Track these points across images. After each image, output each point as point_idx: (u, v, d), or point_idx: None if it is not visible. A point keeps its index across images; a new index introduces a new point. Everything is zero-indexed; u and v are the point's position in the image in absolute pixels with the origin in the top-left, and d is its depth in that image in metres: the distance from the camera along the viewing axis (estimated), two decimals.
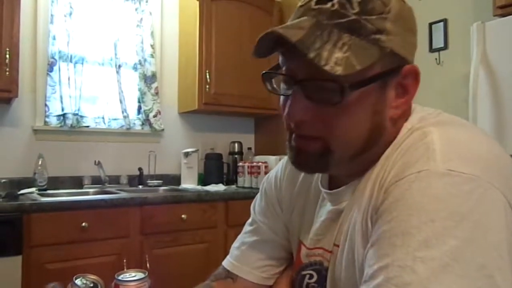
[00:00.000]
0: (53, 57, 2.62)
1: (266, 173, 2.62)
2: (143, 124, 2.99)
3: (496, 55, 2.00)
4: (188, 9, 3.02)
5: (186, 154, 2.96)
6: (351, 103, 0.56)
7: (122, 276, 0.71)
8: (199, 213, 2.47)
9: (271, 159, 2.90)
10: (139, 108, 2.99)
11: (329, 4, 0.55)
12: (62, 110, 2.64)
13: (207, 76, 2.87)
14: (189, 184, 2.92)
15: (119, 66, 2.85)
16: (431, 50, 2.67)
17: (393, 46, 0.56)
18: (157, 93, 2.98)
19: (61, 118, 2.66)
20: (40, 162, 2.50)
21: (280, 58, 0.61)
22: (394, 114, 0.60)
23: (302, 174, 0.78)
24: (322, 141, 0.59)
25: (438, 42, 2.64)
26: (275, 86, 0.64)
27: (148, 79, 2.95)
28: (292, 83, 0.59)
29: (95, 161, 2.67)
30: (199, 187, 2.82)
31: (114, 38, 2.84)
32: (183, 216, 2.39)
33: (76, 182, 2.70)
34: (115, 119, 2.90)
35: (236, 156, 3.20)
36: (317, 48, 0.53)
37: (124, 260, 2.18)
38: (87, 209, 2.14)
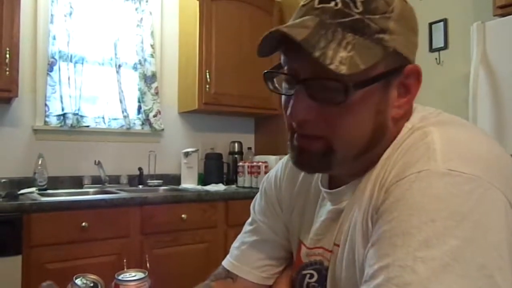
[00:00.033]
0: (53, 57, 2.62)
1: (266, 173, 2.62)
2: (143, 124, 2.99)
3: (496, 55, 2.00)
4: (188, 9, 3.02)
5: (186, 154, 2.96)
6: (355, 103, 0.56)
7: (122, 276, 0.71)
8: (199, 213, 2.47)
9: (271, 159, 2.90)
10: (139, 108, 2.99)
11: (332, 3, 0.55)
12: (62, 110, 2.64)
13: (207, 76, 2.87)
14: (189, 184, 2.92)
15: (119, 66, 2.85)
16: (431, 50, 2.67)
17: (396, 46, 0.56)
18: (157, 93, 2.98)
19: (61, 118, 2.66)
20: (40, 162, 2.50)
21: (282, 57, 0.61)
22: (396, 114, 0.60)
23: (302, 173, 0.77)
24: (324, 141, 0.59)
25: (438, 42, 2.64)
26: (277, 85, 0.63)
27: (148, 79, 2.95)
28: (294, 82, 0.58)
29: (95, 161, 2.67)
30: (199, 187, 2.82)
31: (114, 38, 2.84)
32: (183, 216, 2.39)
33: (76, 182, 2.70)
34: (115, 119, 2.90)
35: (236, 156, 3.20)
36: (322, 47, 0.53)
37: (124, 260, 2.18)
38: (87, 209, 2.14)
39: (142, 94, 2.94)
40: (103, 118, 2.85)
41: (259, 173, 2.84)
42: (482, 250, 0.46)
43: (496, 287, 0.45)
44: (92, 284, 0.70)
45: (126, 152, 2.91)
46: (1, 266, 1.89)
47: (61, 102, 2.64)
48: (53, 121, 2.66)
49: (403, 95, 0.60)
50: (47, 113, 2.64)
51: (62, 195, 2.38)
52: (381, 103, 0.58)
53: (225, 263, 0.85)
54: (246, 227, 0.86)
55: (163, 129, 3.02)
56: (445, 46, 2.62)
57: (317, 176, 0.74)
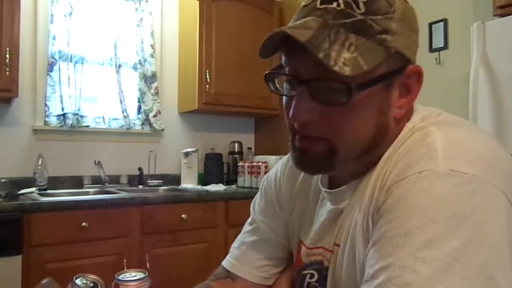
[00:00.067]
0: (53, 57, 2.62)
1: (266, 173, 2.62)
2: (143, 124, 2.99)
3: (496, 55, 2.00)
4: (188, 9, 3.02)
5: (186, 154, 2.96)
6: (358, 104, 0.56)
7: (122, 276, 0.71)
8: (199, 213, 2.47)
9: (271, 159, 2.90)
10: (139, 108, 2.99)
11: (334, 4, 0.55)
12: (62, 110, 2.64)
13: (207, 76, 2.87)
14: (189, 184, 2.92)
15: (119, 66, 2.85)
16: (431, 50, 2.67)
17: (398, 46, 0.56)
18: (157, 93, 2.98)
19: (61, 118, 2.66)
20: (40, 162, 2.50)
21: (283, 58, 0.60)
22: (397, 114, 0.60)
23: (302, 173, 0.77)
24: (327, 142, 0.59)
25: (438, 42, 2.64)
26: (278, 86, 0.63)
27: (148, 79, 2.95)
28: (296, 83, 0.58)
29: (95, 161, 2.67)
30: (199, 187, 2.82)
31: (114, 38, 2.84)
32: (183, 216, 2.39)
33: (76, 182, 2.70)
34: (115, 119, 2.90)
35: (236, 156, 3.20)
36: (326, 48, 0.52)
37: (124, 260, 2.18)
38: (87, 209, 2.14)
39: (142, 94, 2.94)
40: (103, 118, 2.85)
41: (259, 173, 2.84)
42: (483, 250, 0.46)
43: (497, 287, 0.45)
44: (92, 284, 0.70)
45: (126, 152, 2.91)
46: (1, 266, 1.89)
47: (61, 102, 2.64)
48: (53, 121, 2.66)
49: (404, 95, 0.60)
50: (47, 113, 2.64)
51: (62, 195, 2.37)
52: (383, 104, 0.58)
53: (225, 263, 0.85)
54: (246, 227, 0.86)
55: (163, 129, 3.02)
56: (445, 46, 2.62)
57: (317, 176, 0.74)
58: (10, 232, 1.93)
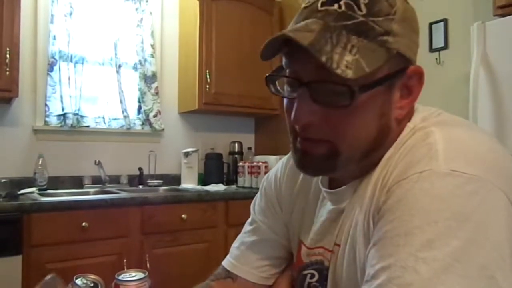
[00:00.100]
0: (53, 57, 2.62)
1: (266, 173, 2.62)
2: (143, 124, 2.99)
3: (496, 55, 2.00)
4: (188, 9, 3.02)
5: (186, 154, 2.96)
6: (359, 106, 0.56)
7: (122, 276, 0.71)
8: (199, 213, 2.47)
9: (271, 159, 2.90)
10: (139, 108, 2.99)
11: (335, 6, 0.55)
12: (62, 110, 2.64)
13: (207, 76, 2.87)
14: (189, 184, 2.92)
15: (119, 66, 2.85)
16: (431, 50, 2.67)
17: (399, 48, 0.56)
18: (157, 93, 2.98)
19: (61, 118, 2.66)
20: (40, 162, 2.50)
21: (284, 60, 0.60)
22: (398, 115, 0.60)
23: (302, 173, 0.77)
24: (328, 144, 0.59)
25: (438, 42, 2.64)
26: (278, 88, 0.63)
27: (148, 79, 2.95)
28: (297, 85, 0.58)
29: (95, 161, 2.67)
30: (199, 187, 2.82)
31: (114, 38, 2.84)
32: (183, 216, 2.39)
33: (76, 182, 2.70)
34: (115, 119, 2.90)
35: (236, 156, 3.20)
36: (328, 51, 0.52)
37: (124, 260, 2.18)
38: (87, 209, 2.14)
39: (142, 94, 2.94)
40: (103, 118, 2.85)
41: (259, 173, 2.84)
42: (483, 250, 0.46)
43: (498, 287, 0.45)
44: (92, 284, 0.70)
45: (126, 152, 2.91)
46: (1, 266, 1.89)
47: (61, 102, 2.64)
48: (53, 121, 2.66)
49: (406, 96, 0.60)
50: (47, 113, 2.64)
51: (62, 195, 2.37)
52: (385, 105, 0.58)
53: (225, 263, 0.85)
54: (246, 227, 0.86)
55: (163, 129, 3.02)
56: (445, 46, 2.62)
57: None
58: (10, 232, 1.93)
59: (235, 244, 0.86)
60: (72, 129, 2.68)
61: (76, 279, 0.69)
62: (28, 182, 2.48)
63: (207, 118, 3.24)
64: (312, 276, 0.71)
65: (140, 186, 2.83)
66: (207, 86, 2.87)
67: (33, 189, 2.39)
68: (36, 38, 2.63)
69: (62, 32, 2.63)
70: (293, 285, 0.78)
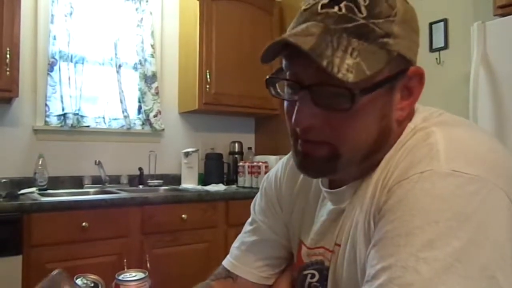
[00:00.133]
0: (53, 57, 2.62)
1: (266, 173, 2.62)
2: (143, 124, 2.99)
3: (496, 55, 2.00)
4: (188, 9, 3.02)
5: (186, 154, 2.96)
6: (360, 108, 0.56)
7: (122, 276, 0.71)
8: (199, 213, 2.47)
9: (271, 159, 2.90)
10: (140, 108, 2.99)
11: (336, 8, 0.54)
12: (63, 110, 2.64)
13: (207, 76, 2.87)
14: (189, 184, 2.92)
15: (120, 66, 2.85)
16: (431, 50, 2.67)
17: (400, 49, 0.56)
18: (157, 93, 2.98)
19: (62, 118, 2.66)
20: (40, 162, 2.50)
21: (284, 62, 0.60)
22: (399, 116, 0.60)
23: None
24: (329, 146, 0.58)
25: (439, 42, 2.64)
26: (279, 90, 0.63)
27: (149, 79, 2.95)
28: (298, 88, 0.58)
29: (95, 161, 2.67)
30: (199, 187, 2.82)
31: (115, 38, 2.84)
32: (183, 216, 2.39)
33: (76, 182, 2.70)
34: (115, 119, 2.90)
35: (236, 156, 3.20)
36: (329, 56, 0.52)
37: (125, 260, 2.18)
38: (87, 209, 2.14)
39: (143, 94, 2.94)
40: (103, 118, 2.85)
41: (259, 173, 2.84)
42: (484, 250, 0.46)
43: (498, 287, 0.45)
44: (92, 284, 0.70)
45: (126, 152, 2.91)
46: (1, 266, 1.89)
47: (62, 102, 2.64)
48: (54, 121, 2.66)
49: (406, 97, 0.60)
50: (47, 113, 2.64)
51: (63, 195, 2.37)
52: (386, 107, 0.58)
53: (225, 263, 0.85)
54: (246, 227, 0.86)
55: (163, 129, 3.02)
56: (445, 46, 2.62)
57: None
58: (10, 232, 1.93)
59: (235, 244, 0.86)
60: (72, 129, 2.68)
61: (76, 279, 0.69)
62: (28, 182, 2.48)
63: (207, 118, 3.24)
64: (313, 276, 0.71)
65: (140, 186, 2.83)
66: (207, 86, 2.87)
67: (33, 189, 2.40)
68: (36, 38, 2.63)
69: (62, 32, 2.63)
70: (293, 285, 0.78)
